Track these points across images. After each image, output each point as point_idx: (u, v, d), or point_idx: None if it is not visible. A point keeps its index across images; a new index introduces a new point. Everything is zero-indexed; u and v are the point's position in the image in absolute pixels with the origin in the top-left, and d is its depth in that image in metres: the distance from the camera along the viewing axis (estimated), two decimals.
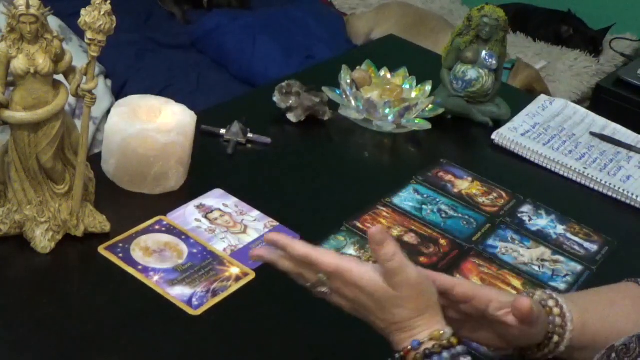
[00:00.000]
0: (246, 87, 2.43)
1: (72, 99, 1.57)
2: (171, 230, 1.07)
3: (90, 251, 1.01)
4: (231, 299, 0.98)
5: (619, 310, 0.91)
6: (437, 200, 1.24)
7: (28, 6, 0.87)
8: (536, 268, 1.13)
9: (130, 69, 2.41)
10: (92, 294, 0.96)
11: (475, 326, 0.87)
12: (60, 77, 0.95)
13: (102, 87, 2.20)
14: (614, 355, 0.78)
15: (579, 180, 1.38)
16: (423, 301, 0.79)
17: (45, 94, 0.93)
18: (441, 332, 0.78)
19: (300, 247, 0.83)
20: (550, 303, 0.89)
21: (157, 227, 1.07)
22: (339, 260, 0.81)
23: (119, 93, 2.29)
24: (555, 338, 0.88)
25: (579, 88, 2.84)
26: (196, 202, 1.14)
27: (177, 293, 0.97)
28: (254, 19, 2.71)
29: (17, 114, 0.92)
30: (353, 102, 1.41)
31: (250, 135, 1.30)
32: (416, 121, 1.41)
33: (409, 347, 0.78)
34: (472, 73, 1.45)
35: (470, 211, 1.23)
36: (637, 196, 1.33)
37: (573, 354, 0.89)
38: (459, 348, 0.78)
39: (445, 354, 0.77)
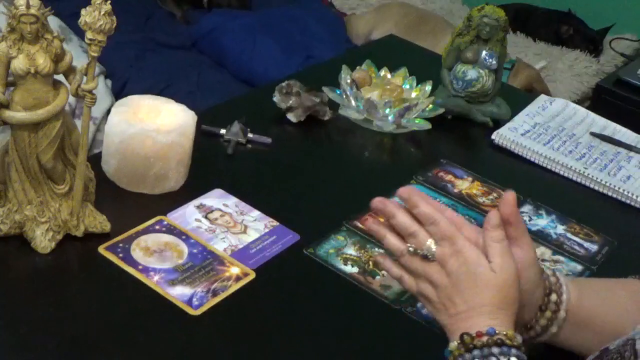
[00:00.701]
0: (246, 87, 2.43)
1: (72, 99, 1.57)
2: (171, 230, 1.07)
3: (90, 251, 1.01)
4: (231, 299, 0.98)
5: (616, 296, 0.92)
6: (437, 200, 1.24)
7: (28, 6, 0.87)
8: None
9: (130, 69, 2.41)
10: (92, 294, 0.96)
11: None
12: (60, 77, 0.95)
13: (102, 87, 2.20)
14: None
15: (579, 180, 1.38)
16: (512, 292, 0.82)
17: (46, 94, 0.93)
18: (515, 336, 0.80)
19: (428, 207, 0.85)
20: (543, 266, 0.90)
21: (157, 227, 1.07)
22: (457, 231, 0.84)
23: (119, 93, 2.29)
24: (554, 296, 0.88)
25: (579, 88, 2.84)
26: (196, 202, 1.14)
27: (177, 293, 0.97)
28: (254, 19, 2.71)
29: (17, 114, 0.92)
30: (353, 102, 1.41)
31: (250, 135, 1.30)
32: (416, 121, 1.41)
33: (484, 331, 0.79)
34: (472, 73, 1.45)
35: (470, 211, 1.23)
36: (637, 196, 1.33)
37: (572, 334, 0.89)
38: (524, 356, 0.79)
39: (514, 351, 0.78)
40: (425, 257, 0.85)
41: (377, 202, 0.89)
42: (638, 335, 0.77)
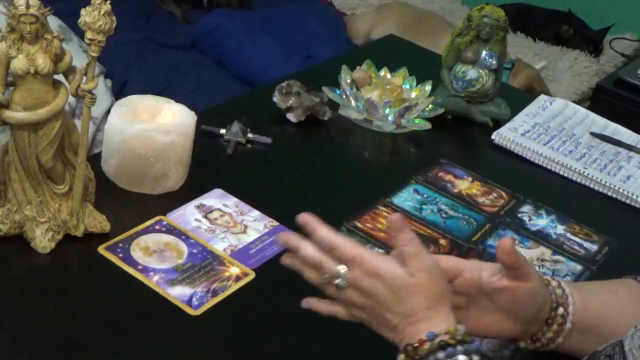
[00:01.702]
0: (246, 87, 2.43)
1: (72, 99, 1.57)
2: (171, 230, 1.07)
3: (90, 251, 1.01)
4: (231, 299, 0.98)
5: (617, 298, 0.92)
6: (437, 200, 1.24)
7: (28, 6, 0.87)
8: (536, 268, 1.13)
9: (130, 69, 2.41)
10: (92, 294, 0.96)
11: (480, 313, 0.86)
12: (60, 77, 0.95)
13: (102, 87, 2.20)
14: None
15: (579, 180, 1.38)
16: (438, 289, 0.79)
17: (45, 94, 0.93)
18: (457, 327, 0.77)
19: (326, 232, 0.82)
20: (548, 278, 0.90)
21: (157, 227, 1.07)
22: (359, 248, 0.81)
23: (119, 93, 2.29)
24: (560, 310, 0.87)
25: (579, 88, 2.84)
26: (196, 202, 1.14)
27: (177, 293, 0.97)
28: (254, 19, 2.71)
29: (17, 114, 0.92)
30: (353, 102, 1.41)
31: (250, 135, 1.30)
32: (416, 121, 1.41)
33: (424, 338, 0.77)
34: (472, 73, 1.45)
35: (470, 211, 1.23)
36: (637, 196, 1.33)
37: (579, 340, 0.89)
38: (473, 345, 0.77)
39: (459, 347, 0.76)
40: (339, 286, 0.82)
41: (281, 236, 0.86)
42: (626, 338, 0.77)
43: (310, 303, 0.87)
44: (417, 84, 1.47)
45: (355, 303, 0.82)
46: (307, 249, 0.83)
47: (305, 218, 0.85)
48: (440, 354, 0.76)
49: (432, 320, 0.78)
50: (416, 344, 0.77)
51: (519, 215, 1.24)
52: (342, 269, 0.81)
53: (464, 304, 0.86)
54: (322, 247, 0.83)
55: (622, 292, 0.93)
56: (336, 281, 0.82)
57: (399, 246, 0.80)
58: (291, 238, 0.85)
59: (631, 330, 0.79)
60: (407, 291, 0.79)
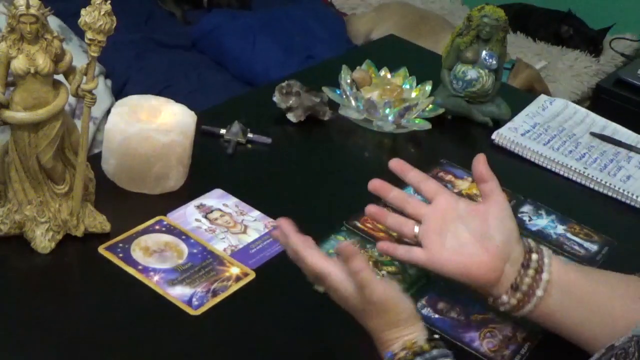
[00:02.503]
0: (246, 87, 2.43)
1: (72, 99, 1.57)
2: (171, 230, 1.07)
3: (90, 251, 1.01)
4: (231, 299, 0.98)
5: (607, 278, 0.93)
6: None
7: (28, 6, 0.87)
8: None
9: (130, 69, 2.41)
10: (92, 294, 0.96)
11: (457, 244, 0.91)
12: (60, 77, 0.95)
13: (102, 87, 2.20)
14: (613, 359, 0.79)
15: (579, 180, 1.38)
16: (391, 317, 0.82)
17: (45, 94, 0.93)
18: (413, 340, 0.80)
19: (295, 243, 0.85)
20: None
21: (157, 227, 1.07)
22: (323, 263, 0.84)
23: (119, 93, 2.29)
24: (535, 255, 0.90)
25: (579, 88, 2.84)
26: (196, 202, 1.14)
27: (177, 293, 0.97)
28: (254, 19, 2.71)
29: (17, 114, 0.92)
30: (353, 102, 1.41)
31: (250, 135, 1.30)
32: (416, 121, 1.41)
33: (385, 359, 0.81)
34: (472, 73, 1.45)
35: None
36: (637, 196, 1.33)
37: (563, 307, 0.90)
38: (434, 352, 0.80)
39: (418, 359, 0.79)
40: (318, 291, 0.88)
41: (273, 233, 0.91)
42: None
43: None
44: (417, 84, 1.47)
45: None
46: (289, 252, 0.87)
47: (282, 223, 0.87)
48: None
49: (390, 340, 0.81)
50: None
51: (519, 215, 1.24)
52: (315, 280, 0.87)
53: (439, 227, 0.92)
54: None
55: (618, 283, 0.93)
56: (317, 287, 0.89)
57: (350, 274, 0.82)
58: (280, 235, 0.88)
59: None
60: (359, 314, 0.84)
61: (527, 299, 0.90)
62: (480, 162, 0.94)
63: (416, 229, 0.93)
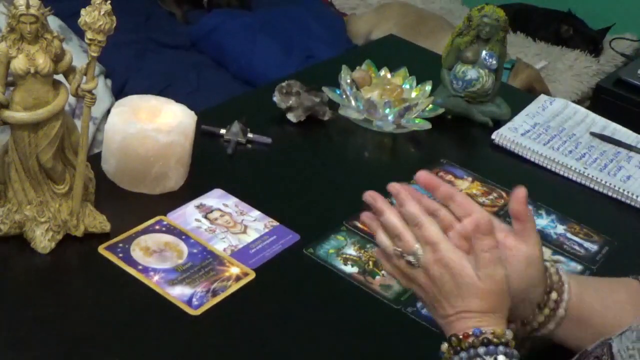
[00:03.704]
0: (246, 87, 2.43)
1: (72, 99, 1.57)
2: (171, 230, 1.07)
3: (90, 251, 1.01)
4: (231, 299, 0.98)
5: (616, 296, 0.92)
6: (437, 200, 1.24)
7: (28, 6, 0.87)
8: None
9: (130, 69, 2.41)
10: (92, 294, 0.96)
11: None
12: (60, 77, 0.95)
13: (102, 87, 2.20)
14: None
15: (579, 180, 1.38)
16: (499, 301, 0.80)
17: (45, 94, 0.93)
18: (504, 332, 0.79)
19: (415, 207, 0.82)
20: (547, 264, 0.90)
21: (157, 227, 1.07)
22: (442, 235, 0.81)
23: (119, 93, 2.29)
24: (554, 295, 0.88)
25: (579, 88, 2.84)
26: (196, 202, 1.14)
27: (177, 293, 0.97)
28: (254, 19, 2.71)
29: (17, 114, 0.92)
30: (353, 102, 1.41)
31: (250, 135, 1.30)
32: (416, 121, 1.41)
33: (470, 332, 0.79)
34: (472, 73, 1.45)
35: None
36: (637, 196, 1.33)
37: (571, 331, 0.89)
38: (515, 352, 0.79)
39: (501, 348, 0.78)
40: (410, 263, 0.82)
41: (368, 196, 0.86)
42: (614, 338, 0.77)
43: (379, 254, 0.87)
44: (417, 84, 1.47)
45: (419, 282, 0.83)
46: (392, 217, 0.83)
47: (398, 188, 0.84)
48: (481, 349, 0.78)
49: (483, 321, 0.80)
50: (461, 336, 0.79)
51: None
52: (419, 249, 0.82)
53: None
54: (406, 219, 0.83)
55: (622, 291, 0.93)
56: (408, 257, 0.82)
57: (478, 249, 0.80)
58: (379, 200, 0.85)
59: (619, 330, 0.79)
60: (469, 291, 0.80)
61: (536, 331, 0.90)
62: (517, 201, 0.87)
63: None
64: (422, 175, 0.87)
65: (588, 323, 0.89)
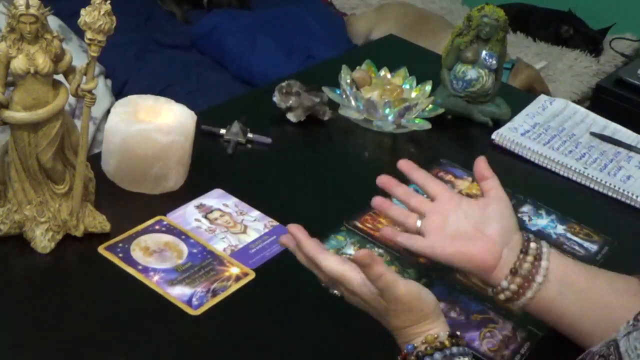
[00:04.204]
0: (246, 87, 2.43)
1: (72, 99, 1.57)
2: (171, 230, 1.07)
3: (90, 251, 1.01)
4: (231, 299, 0.98)
5: (606, 275, 0.93)
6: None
7: (28, 6, 0.87)
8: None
9: (130, 69, 2.41)
10: (92, 294, 0.96)
11: (456, 231, 0.93)
12: (60, 77, 0.95)
13: (102, 87, 2.20)
14: None
15: (579, 180, 1.38)
16: (415, 313, 0.82)
17: (45, 94, 0.93)
18: (435, 335, 0.81)
19: (309, 248, 0.86)
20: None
21: (157, 227, 1.07)
22: (341, 267, 0.84)
23: (119, 93, 2.29)
24: (533, 244, 0.91)
25: (579, 88, 2.84)
26: (196, 202, 1.14)
27: (177, 293, 0.97)
28: (254, 19, 2.71)
29: (17, 114, 0.92)
30: (353, 102, 1.41)
31: (250, 135, 1.30)
32: (416, 121, 1.41)
33: (405, 351, 0.82)
34: (472, 73, 1.45)
35: None
36: (637, 196, 1.33)
37: (560, 297, 0.90)
38: (454, 349, 0.80)
39: (437, 355, 0.80)
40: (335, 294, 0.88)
41: (281, 239, 0.91)
42: (620, 336, 0.77)
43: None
44: (417, 84, 1.47)
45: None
46: (300, 257, 0.88)
47: (292, 229, 0.88)
48: None
49: (412, 334, 0.82)
50: (399, 358, 0.83)
51: (519, 215, 1.24)
52: (332, 288, 0.88)
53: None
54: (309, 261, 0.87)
55: (618, 279, 0.93)
56: (332, 290, 0.88)
57: (371, 281, 0.82)
58: (289, 241, 0.90)
59: (623, 328, 0.78)
60: (384, 313, 0.83)
61: (526, 285, 0.90)
62: (481, 161, 0.97)
63: (418, 223, 0.94)
64: (403, 162, 1.00)
65: (579, 290, 0.90)
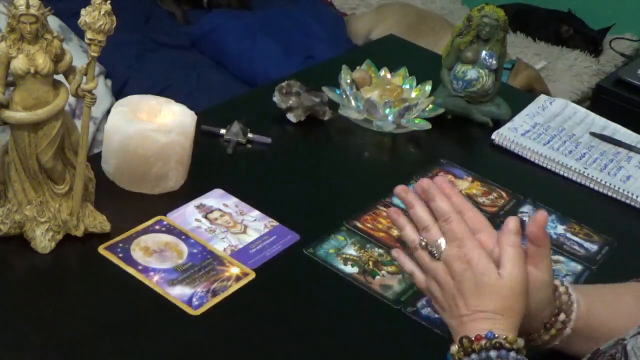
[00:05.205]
0: (246, 87, 2.43)
1: (72, 99, 1.57)
2: (171, 230, 1.07)
3: (90, 251, 1.01)
4: (231, 299, 0.98)
5: (623, 304, 0.92)
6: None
7: (28, 6, 0.87)
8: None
9: (130, 69, 2.40)
10: (92, 294, 0.96)
11: None
12: (60, 77, 0.95)
13: (102, 87, 2.20)
14: None
15: (579, 180, 1.38)
16: (516, 302, 0.80)
17: (45, 94, 0.93)
18: (517, 340, 0.79)
19: (446, 204, 0.84)
20: (557, 282, 0.90)
21: (157, 227, 1.07)
22: (469, 233, 0.83)
23: (119, 93, 2.29)
24: (562, 316, 0.88)
25: (579, 88, 2.84)
26: (196, 202, 1.14)
27: (177, 293, 0.97)
28: (254, 19, 2.71)
29: (17, 114, 0.92)
30: (353, 102, 1.41)
31: (250, 135, 1.30)
32: (416, 121, 1.41)
33: (483, 334, 0.79)
34: (472, 73, 1.45)
35: None
36: (637, 196, 1.33)
37: (577, 345, 0.89)
38: (525, 358, 0.78)
39: (512, 354, 0.78)
40: (432, 255, 0.84)
41: (400, 190, 0.88)
42: (628, 337, 0.77)
43: (399, 254, 0.90)
44: (417, 84, 1.47)
45: (439, 278, 0.84)
46: (421, 210, 0.86)
47: (429, 183, 0.86)
48: (493, 353, 0.78)
49: (496, 324, 0.79)
50: (473, 338, 0.79)
51: (519, 215, 1.24)
52: (443, 242, 0.83)
53: None
54: (435, 214, 0.85)
55: (628, 297, 0.93)
56: (432, 249, 0.84)
57: (504, 244, 0.81)
58: (410, 195, 0.87)
59: (633, 330, 0.78)
60: (488, 290, 0.80)
61: (540, 346, 0.90)
62: (536, 224, 0.84)
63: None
64: (438, 181, 0.88)
65: (596, 334, 0.89)
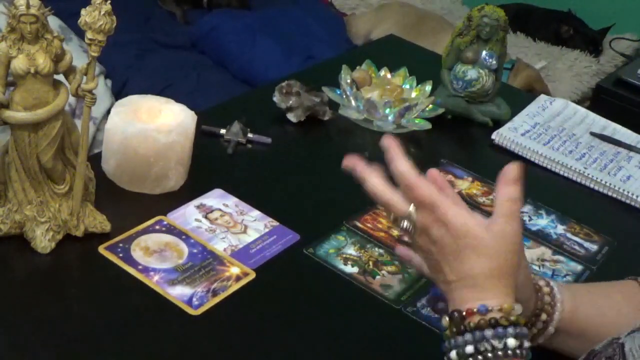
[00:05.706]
0: (246, 87, 2.43)
1: (72, 99, 1.57)
2: (171, 230, 1.07)
3: (90, 251, 1.01)
4: (231, 299, 0.98)
5: (612, 302, 0.91)
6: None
7: (28, 6, 0.87)
8: (536, 268, 1.13)
9: (130, 69, 2.41)
10: (92, 294, 0.96)
11: None
12: (60, 77, 0.95)
13: (102, 87, 2.20)
14: None
15: (579, 180, 1.38)
16: (507, 262, 0.73)
17: (46, 94, 0.93)
18: (513, 307, 0.72)
19: (405, 166, 0.75)
20: (541, 282, 0.88)
21: (157, 227, 1.07)
22: (438, 194, 0.74)
23: (119, 93, 2.30)
24: (544, 316, 0.85)
25: (579, 88, 2.84)
26: (196, 202, 1.14)
27: (177, 293, 0.97)
28: (254, 19, 2.71)
29: (17, 114, 0.92)
30: (353, 102, 1.41)
31: (250, 135, 1.30)
32: (416, 121, 1.41)
33: (475, 309, 0.72)
34: (472, 73, 1.45)
35: None
36: (637, 196, 1.33)
37: (563, 342, 0.89)
38: (525, 329, 0.73)
39: (510, 330, 0.71)
40: (406, 230, 0.75)
41: (347, 161, 0.78)
42: (623, 336, 0.77)
43: (398, 247, 0.84)
44: (417, 84, 1.47)
45: (421, 247, 0.76)
46: (375, 182, 0.76)
47: (388, 142, 0.77)
48: (488, 332, 0.71)
49: (488, 290, 0.73)
50: (464, 313, 0.72)
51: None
52: (413, 213, 0.74)
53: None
54: (395, 179, 0.75)
55: (617, 295, 0.92)
56: (403, 224, 0.75)
57: (501, 197, 0.74)
58: (359, 165, 0.77)
59: (629, 330, 0.78)
60: (472, 251, 0.73)
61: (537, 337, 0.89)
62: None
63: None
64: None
65: (583, 334, 0.88)
